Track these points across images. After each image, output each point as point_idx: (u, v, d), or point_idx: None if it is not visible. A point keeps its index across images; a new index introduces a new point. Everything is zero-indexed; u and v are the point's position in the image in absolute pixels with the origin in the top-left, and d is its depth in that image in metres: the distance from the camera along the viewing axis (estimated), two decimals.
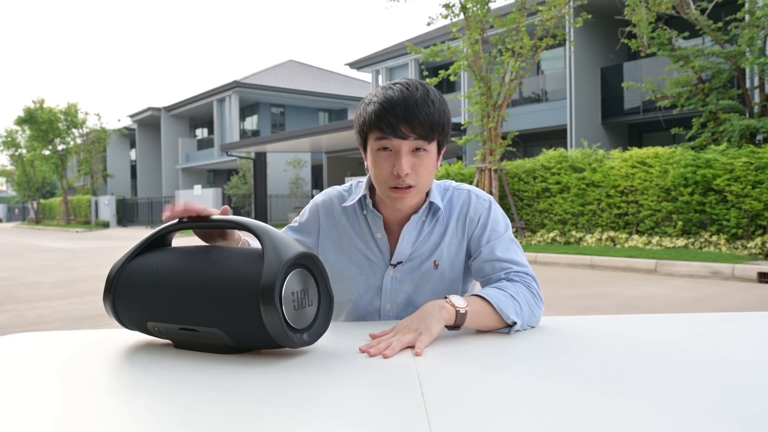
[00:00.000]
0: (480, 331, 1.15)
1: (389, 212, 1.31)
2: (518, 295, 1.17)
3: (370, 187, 1.34)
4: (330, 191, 1.39)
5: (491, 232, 1.30)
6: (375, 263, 1.32)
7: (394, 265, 1.31)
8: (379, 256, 1.32)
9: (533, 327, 1.20)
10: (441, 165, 1.28)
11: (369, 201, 1.31)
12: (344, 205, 1.34)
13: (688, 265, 7.40)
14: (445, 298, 1.12)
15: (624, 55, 15.38)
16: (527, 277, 1.25)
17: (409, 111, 1.14)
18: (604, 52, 15.29)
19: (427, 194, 1.30)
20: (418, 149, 1.18)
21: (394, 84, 1.20)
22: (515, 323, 1.14)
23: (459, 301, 1.11)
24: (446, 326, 1.10)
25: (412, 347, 1.01)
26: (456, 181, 1.43)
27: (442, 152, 1.26)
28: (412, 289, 1.32)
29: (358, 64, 22.44)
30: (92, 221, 29.79)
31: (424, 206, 1.29)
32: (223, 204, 24.08)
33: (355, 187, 1.37)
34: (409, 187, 1.20)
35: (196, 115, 32.19)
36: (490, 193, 10.72)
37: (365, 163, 1.27)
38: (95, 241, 18.04)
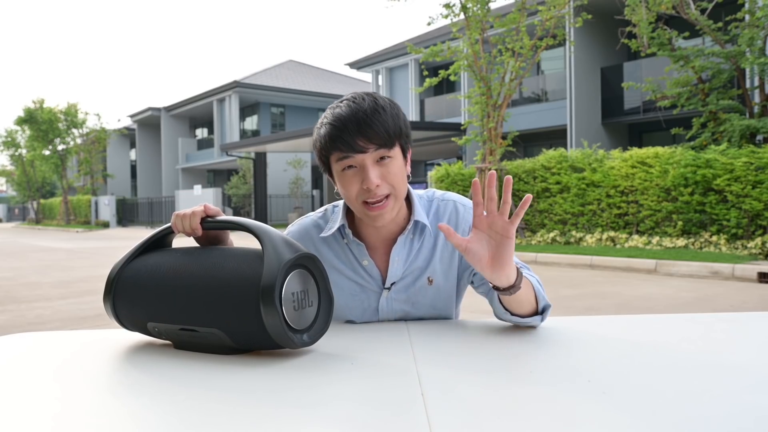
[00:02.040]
0: (479, 332, 1.15)
1: (372, 235, 1.27)
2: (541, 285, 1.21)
3: (347, 212, 1.29)
4: (303, 222, 1.34)
5: None
6: (367, 288, 1.29)
7: (388, 288, 1.29)
8: (370, 281, 1.29)
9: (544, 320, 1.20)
10: (410, 170, 1.25)
11: (349, 231, 1.27)
12: (323, 235, 1.29)
13: (688, 265, 7.40)
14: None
15: (624, 55, 15.38)
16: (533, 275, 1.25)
17: (362, 123, 1.11)
18: (604, 52, 15.28)
19: (411, 212, 1.27)
20: (382, 158, 1.14)
21: (341, 101, 1.17)
22: (547, 308, 1.17)
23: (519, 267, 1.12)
24: (497, 288, 1.09)
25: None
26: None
27: (409, 155, 1.22)
28: (409, 306, 1.29)
29: (358, 64, 22.43)
30: (92, 221, 29.79)
31: (410, 226, 1.26)
32: (224, 204, 24.10)
33: (331, 213, 1.32)
34: (385, 198, 1.16)
35: (196, 115, 32.19)
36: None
37: (335, 187, 1.23)
38: (95, 241, 18.04)
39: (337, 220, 1.28)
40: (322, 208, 1.36)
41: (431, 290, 1.29)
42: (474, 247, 1.05)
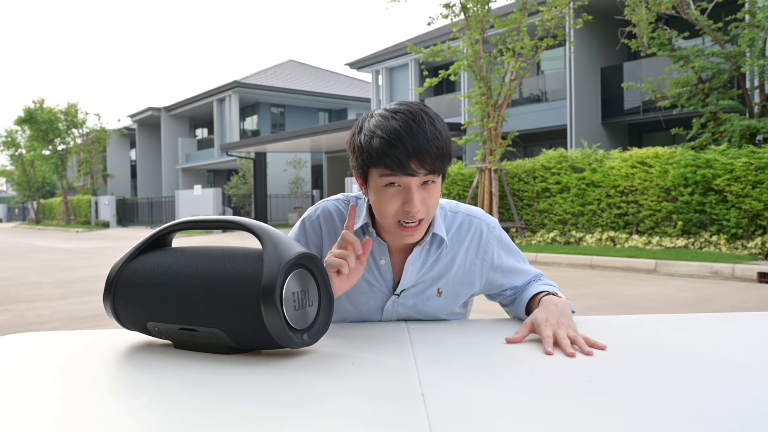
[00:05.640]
0: (479, 332, 1.15)
1: (393, 239, 1.24)
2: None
3: (371, 212, 1.24)
4: (325, 205, 1.30)
5: (508, 258, 1.33)
6: (376, 287, 1.27)
7: (398, 294, 1.27)
8: (381, 282, 1.27)
9: None
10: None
11: (373, 230, 1.24)
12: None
13: (688, 265, 7.40)
14: (548, 293, 1.23)
15: (624, 55, 15.38)
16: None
17: (420, 146, 1.04)
18: (604, 52, 15.28)
19: (431, 224, 1.24)
20: (426, 182, 1.10)
21: (396, 112, 1.08)
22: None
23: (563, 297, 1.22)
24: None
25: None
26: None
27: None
28: (413, 311, 1.30)
29: (358, 64, 22.42)
30: (92, 221, 29.77)
31: (428, 238, 1.23)
32: (224, 204, 24.08)
33: (355, 203, 1.29)
34: (419, 222, 1.13)
35: (196, 115, 32.18)
36: (490, 193, 10.73)
37: (362, 190, 1.20)
38: (95, 241, 18.04)
39: (361, 216, 1.24)
40: (343, 196, 1.32)
41: (438, 301, 1.29)
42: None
